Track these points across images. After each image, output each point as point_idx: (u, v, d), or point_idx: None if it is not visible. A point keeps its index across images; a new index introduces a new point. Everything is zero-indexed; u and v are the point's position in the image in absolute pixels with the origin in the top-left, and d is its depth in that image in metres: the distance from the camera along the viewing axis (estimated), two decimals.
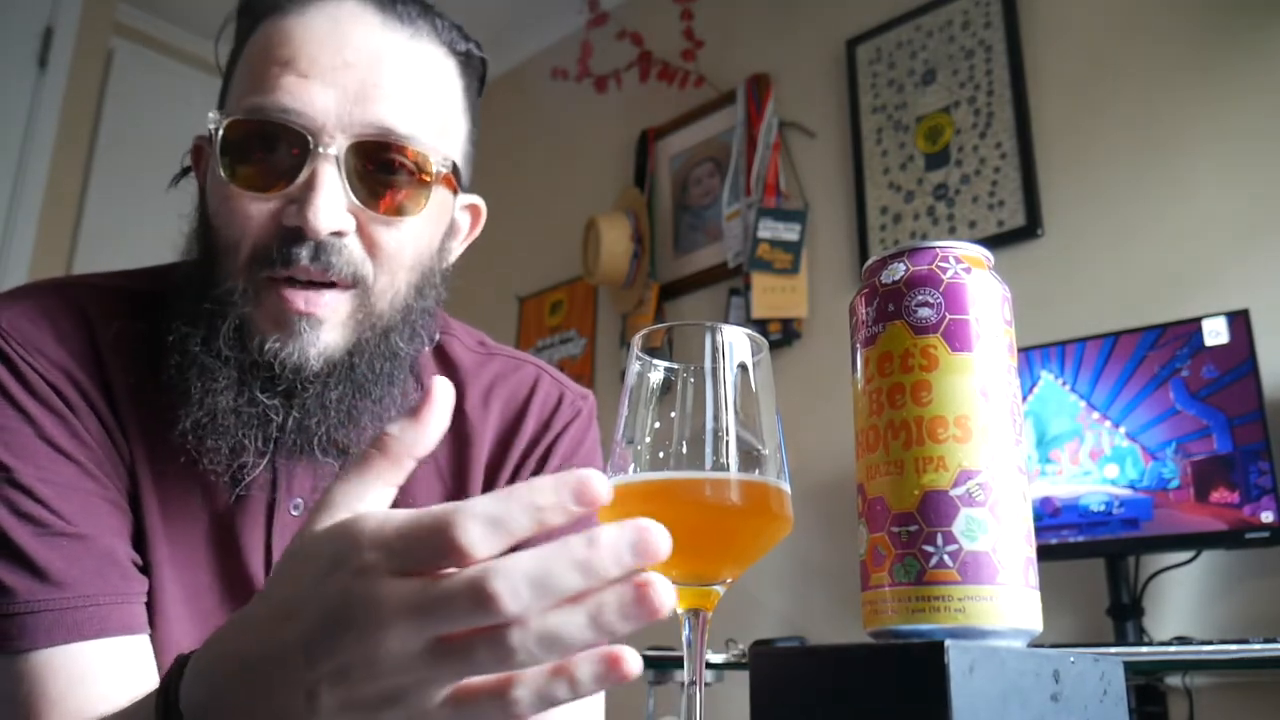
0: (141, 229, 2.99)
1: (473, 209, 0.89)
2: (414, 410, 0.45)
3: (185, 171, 0.86)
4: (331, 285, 0.74)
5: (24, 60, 2.90)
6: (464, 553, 0.39)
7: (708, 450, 0.55)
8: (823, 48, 2.67)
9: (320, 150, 0.72)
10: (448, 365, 0.91)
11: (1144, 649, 1.54)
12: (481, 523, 0.39)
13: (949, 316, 0.48)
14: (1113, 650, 1.54)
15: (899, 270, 0.49)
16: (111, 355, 0.77)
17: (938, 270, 0.48)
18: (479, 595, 0.38)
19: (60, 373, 0.75)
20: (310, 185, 0.72)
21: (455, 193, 0.83)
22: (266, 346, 0.73)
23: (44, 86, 2.93)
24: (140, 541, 0.76)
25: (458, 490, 0.88)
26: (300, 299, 0.73)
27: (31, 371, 0.74)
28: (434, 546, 0.39)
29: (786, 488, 0.57)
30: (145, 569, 0.76)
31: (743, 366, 0.58)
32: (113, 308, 0.79)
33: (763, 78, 2.75)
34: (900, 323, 0.48)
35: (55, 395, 0.74)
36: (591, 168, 3.24)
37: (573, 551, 0.39)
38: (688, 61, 2.86)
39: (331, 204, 0.72)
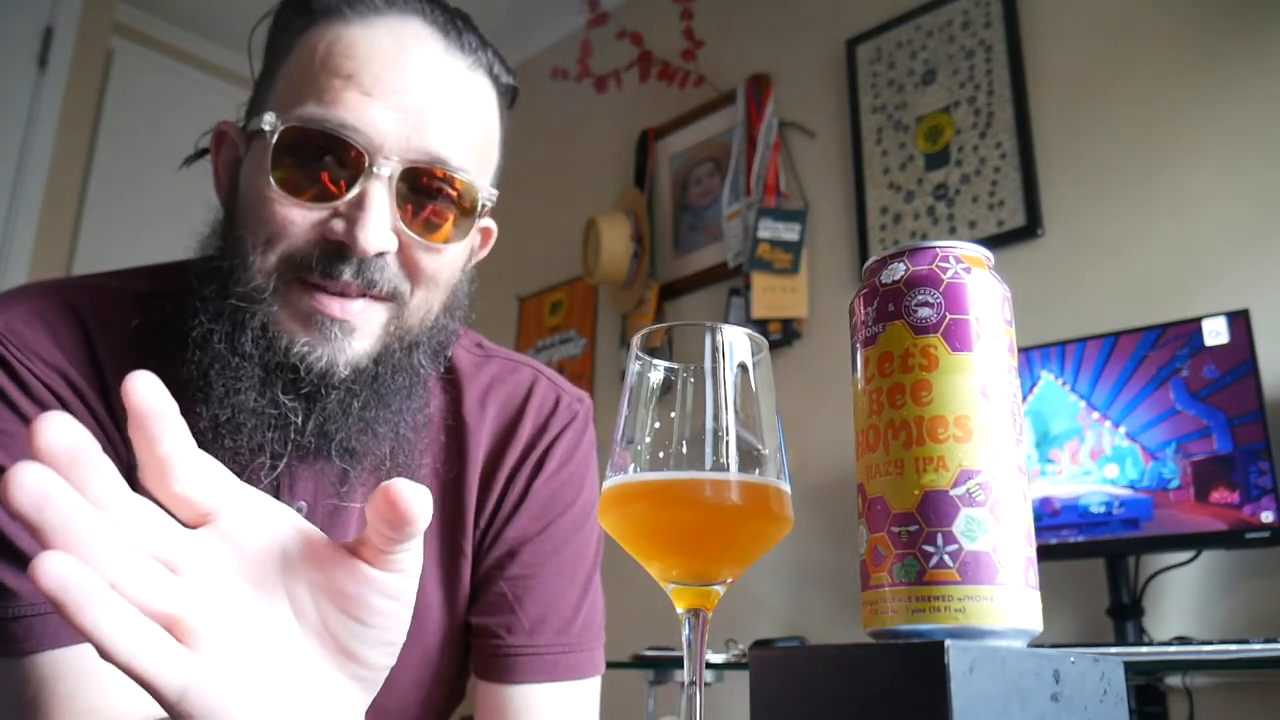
0: (141, 229, 3.00)
1: (484, 231, 0.90)
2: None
3: (201, 153, 0.86)
4: (364, 296, 0.75)
5: (24, 60, 2.90)
6: None
7: (708, 450, 0.55)
8: (823, 48, 2.67)
9: (375, 170, 0.73)
10: (446, 368, 0.91)
11: (1144, 649, 1.54)
12: None
13: (949, 316, 0.48)
14: (1113, 650, 1.54)
15: (899, 270, 0.49)
16: (108, 356, 0.77)
17: (938, 270, 0.48)
18: None
19: (57, 375, 0.75)
20: (361, 204, 0.72)
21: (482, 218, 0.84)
22: (295, 349, 0.73)
23: (44, 86, 2.93)
24: None
25: (454, 492, 0.88)
26: (335, 305, 0.74)
27: (28, 374, 0.73)
28: None
29: (786, 488, 0.57)
30: None
31: (743, 366, 0.58)
32: (109, 309, 0.79)
33: (763, 78, 2.75)
34: (900, 323, 0.48)
35: (52, 398, 0.74)
36: (591, 168, 3.24)
37: None
38: (688, 61, 2.87)
39: (380, 225, 0.73)
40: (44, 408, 0.73)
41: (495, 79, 0.83)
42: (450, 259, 0.79)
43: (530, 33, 3.50)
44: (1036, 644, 0.47)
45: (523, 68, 3.56)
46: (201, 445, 0.73)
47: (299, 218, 0.73)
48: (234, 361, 0.74)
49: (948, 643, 0.39)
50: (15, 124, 2.87)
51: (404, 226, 0.75)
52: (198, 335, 0.75)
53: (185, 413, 0.74)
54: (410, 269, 0.77)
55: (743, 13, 2.91)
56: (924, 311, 0.48)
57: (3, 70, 2.86)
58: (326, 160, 0.73)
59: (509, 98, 0.86)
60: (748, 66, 2.81)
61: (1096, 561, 1.78)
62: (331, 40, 0.75)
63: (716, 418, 0.56)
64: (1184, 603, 1.80)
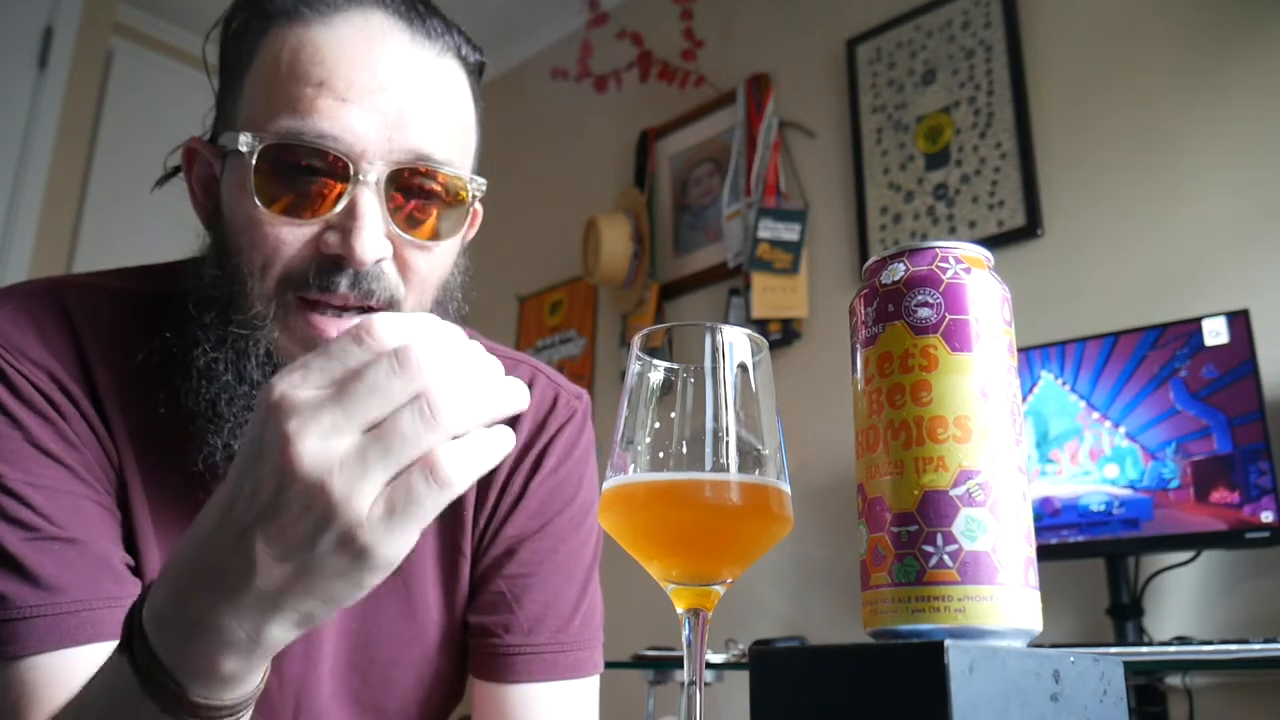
0: (141, 229, 3.00)
1: (471, 212, 0.89)
2: None
3: (174, 172, 0.84)
4: (362, 309, 0.74)
5: (24, 60, 2.91)
6: (370, 330, 0.47)
7: (708, 451, 0.55)
8: (823, 48, 2.67)
9: (361, 177, 0.71)
10: None
11: (1144, 649, 1.54)
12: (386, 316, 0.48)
13: (949, 316, 0.48)
14: (1113, 650, 1.54)
15: (899, 270, 0.49)
16: (97, 356, 0.76)
17: (938, 270, 0.48)
18: (397, 358, 0.46)
19: (46, 376, 0.74)
20: (352, 214, 0.71)
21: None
22: None
23: (44, 86, 2.93)
24: (131, 544, 0.76)
25: None
26: (333, 327, 0.72)
27: (18, 375, 0.73)
28: (347, 338, 0.47)
29: (786, 488, 0.57)
30: (138, 572, 0.75)
31: (743, 366, 0.58)
32: (99, 308, 0.79)
33: (763, 78, 2.75)
34: (900, 323, 0.48)
35: (42, 399, 0.73)
36: (591, 168, 3.24)
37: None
38: (688, 61, 2.86)
39: (375, 232, 0.71)
40: (32, 408, 0.73)
41: (464, 60, 0.81)
42: (443, 256, 0.78)
43: (530, 33, 3.50)
44: (1036, 644, 0.47)
45: (523, 68, 3.56)
46: (215, 472, 0.74)
47: (290, 236, 0.72)
48: (241, 390, 0.73)
49: (948, 643, 0.39)
50: (15, 124, 2.87)
51: (397, 230, 0.74)
52: (202, 365, 0.74)
53: (196, 441, 0.74)
54: (405, 272, 0.75)
55: (743, 13, 2.91)
56: (924, 312, 0.48)
57: (3, 70, 2.86)
58: (311, 173, 0.71)
59: (479, 74, 0.85)
60: (748, 66, 2.81)
61: (1096, 561, 1.78)
62: (295, 45, 0.73)
63: (716, 418, 0.56)
64: (1184, 603, 1.80)
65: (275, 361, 0.73)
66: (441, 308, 0.81)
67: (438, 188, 0.75)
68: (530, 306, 3.30)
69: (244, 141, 0.72)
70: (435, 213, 0.76)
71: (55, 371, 0.75)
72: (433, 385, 0.46)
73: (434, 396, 0.46)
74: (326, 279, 0.71)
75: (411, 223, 0.75)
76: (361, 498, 0.45)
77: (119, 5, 3.28)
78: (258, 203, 0.72)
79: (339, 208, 0.71)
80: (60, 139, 2.95)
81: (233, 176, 0.75)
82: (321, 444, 0.44)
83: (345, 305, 0.73)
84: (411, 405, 0.46)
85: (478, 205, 0.88)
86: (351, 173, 0.71)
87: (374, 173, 0.72)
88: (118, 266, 0.86)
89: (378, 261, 0.73)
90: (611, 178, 3.15)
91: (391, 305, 0.75)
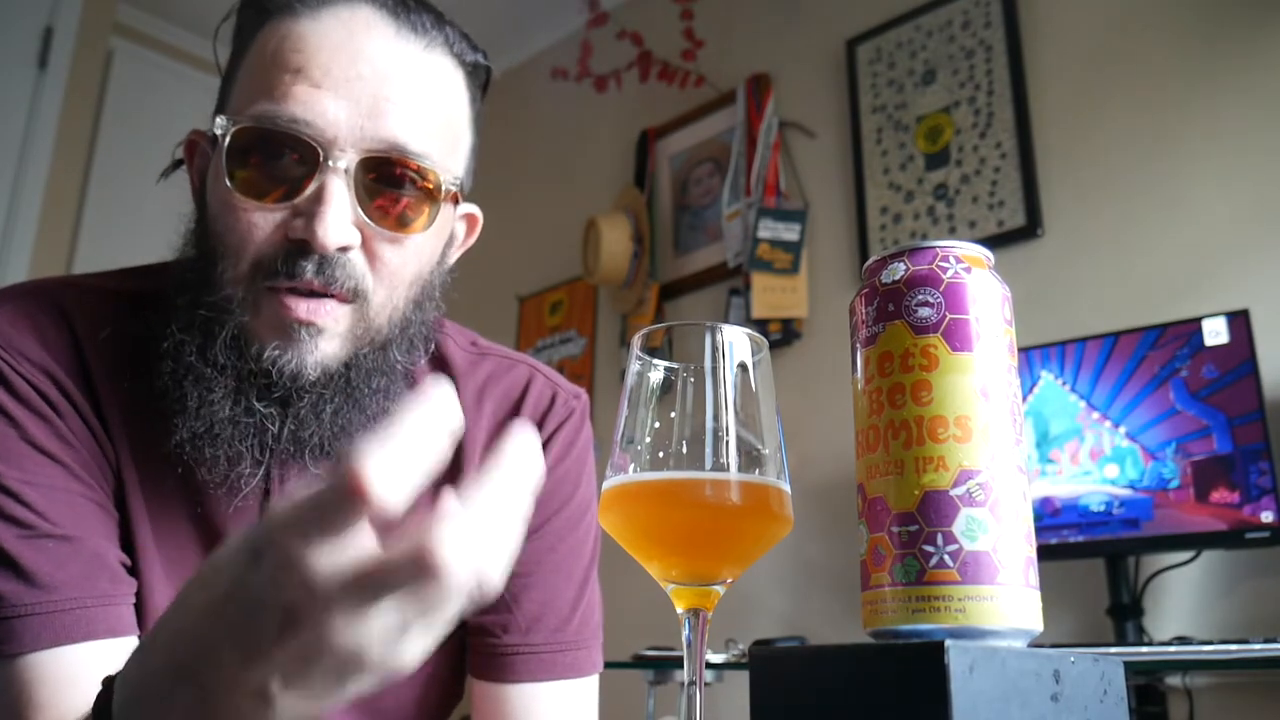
0: (141, 229, 3.00)
1: (469, 218, 0.88)
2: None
3: (177, 164, 0.85)
4: (328, 293, 0.73)
5: (24, 60, 2.90)
6: (365, 490, 0.38)
7: (708, 450, 0.55)
8: (823, 48, 2.67)
9: (330, 163, 0.71)
10: (441, 366, 0.91)
11: (1144, 649, 1.54)
12: (378, 459, 0.38)
13: (949, 316, 0.48)
14: (1113, 650, 1.54)
15: (899, 270, 0.49)
16: (95, 356, 0.77)
17: (938, 270, 0.48)
18: (420, 561, 0.39)
19: (43, 375, 0.74)
20: (319, 199, 0.71)
21: (456, 204, 0.82)
22: (265, 354, 0.72)
23: (44, 86, 2.92)
24: (127, 543, 0.76)
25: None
26: (302, 307, 0.72)
27: (14, 374, 0.73)
28: (339, 492, 0.39)
29: (786, 488, 0.57)
30: (134, 571, 0.75)
31: (743, 366, 0.58)
32: (97, 308, 0.79)
33: (763, 78, 2.75)
34: (900, 322, 0.48)
35: (39, 397, 0.73)
36: (591, 168, 3.24)
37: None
38: (688, 61, 2.86)
39: (340, 219, 0.71)
40: (29, 407, 0.73)
41: (458, 57, 0.80)
42: (415, 251, 0.77)
43: (530, 33, 3.50)
44: (1036, 644, 0.47)
45: (523, 68, 3.56)
46: (182, 455, 0.74)
47: (261, 220, 0.72)
48: (207, 373, 0.73)
49: (948, 643, 0.39)
50: (15, 124, 2.87)
51: (366, 219, 0.73)
52: (169, 346, 0.74)
53: (163, 423, 0.74)
54: (373, 263, 0.75)
55: (743, 13, 2.91)
56: (924, 311, 0.48)
57: (3, 70, 2.86)
58: (283, 158, 0.72)
59: (479, 77, 0.84)
60: (748, 66, 2.81)
61: (1096, 561, 1.78)
62: (282, 36, 0.74)
63: (716, 418, 0.56)
64: (1184, 603, 1.80)
65: (241, 345, 0.73)
66: (419, 307, 0.80)
67: (413, 179, 0.75)
68: (530, 306, 3.30)
69: (220, 124, 0.73)
70: (408, 204, 0.75)
71: (53, 371, 0.75)
72: (454, 572, 0.40)
73: (455, 579, 0.40)
74: (293, 264, 0.71)
75: (382, 213, 0.74)
76: (400, 642, 0.42)
77: (119, 5, 3.28)
78: (229, 184, 0.72)
79: (308, 193, 0.71)
80: (60, 139, 2.95)
81: (214, 161, 0.75)
82: (351, 629, 0.40)
83: (312, 290, 0.72)
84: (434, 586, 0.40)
85: (474, 209, 0.88)
86: (321, 158, 0.71)
87: (344, 160, 0.72)
88: (117, 267, 0.87)
89: (344, 249, 0.72)
90: (611, 178, 3.15)
91: (357, 295, 0.74)
